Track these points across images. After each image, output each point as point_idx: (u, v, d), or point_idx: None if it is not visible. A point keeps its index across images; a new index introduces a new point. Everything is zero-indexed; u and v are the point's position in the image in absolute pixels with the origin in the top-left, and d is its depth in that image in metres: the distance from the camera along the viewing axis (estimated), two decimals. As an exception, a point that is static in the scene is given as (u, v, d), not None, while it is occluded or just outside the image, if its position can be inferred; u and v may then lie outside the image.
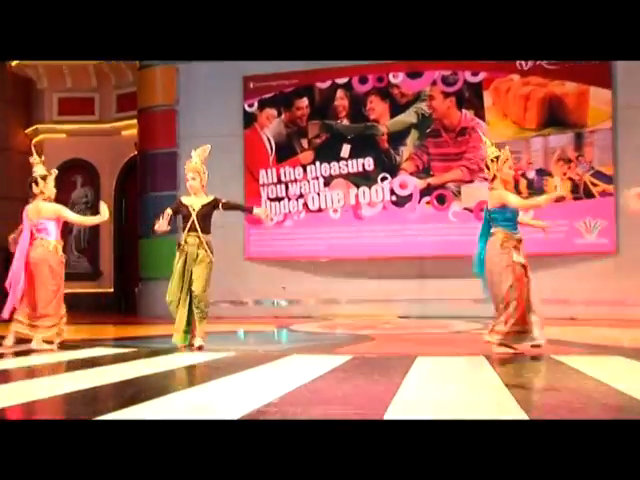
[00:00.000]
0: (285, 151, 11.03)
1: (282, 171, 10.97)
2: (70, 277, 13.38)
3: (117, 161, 13.76)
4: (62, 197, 14.23)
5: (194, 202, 5.79)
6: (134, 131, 12.31)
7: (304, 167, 10.89)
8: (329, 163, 10.76)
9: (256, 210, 6.07)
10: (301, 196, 10.88)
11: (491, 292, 4.99)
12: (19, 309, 5.67)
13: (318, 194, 10.82)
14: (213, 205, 5.78)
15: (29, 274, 5.65)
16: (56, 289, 5.75)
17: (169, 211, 5.77)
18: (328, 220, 10.77)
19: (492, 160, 5.13)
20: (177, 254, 5.73)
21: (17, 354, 5.26)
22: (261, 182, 11.04)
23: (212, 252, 5.72)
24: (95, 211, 13.77)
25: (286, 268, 10.92)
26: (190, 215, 5.72)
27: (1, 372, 4.25)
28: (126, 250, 13.48)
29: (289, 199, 10.93)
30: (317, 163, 10.84)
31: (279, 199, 10.98)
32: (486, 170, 5.26)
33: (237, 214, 10.73)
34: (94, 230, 13.73)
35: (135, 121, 12.12)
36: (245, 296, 10.97)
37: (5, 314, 5.70)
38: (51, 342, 5.68)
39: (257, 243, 11.10)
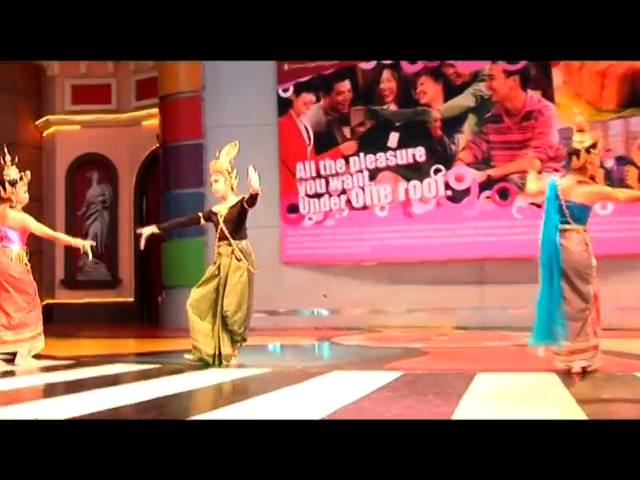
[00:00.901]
0: (325, 141, 11.04)
1: (322, 164, 10.98)
2: (87, 285, 13.84)
3: (137, 155, 13.93)
4: (76, 195, 14.69)
5: (221, 208, 5.78)
6: (155, 121, 12.44)
7: (346, 159, 10.89)
8: (375, 154, 10.74)
9: (252, 181, 5.60)
10: (343, 192, 10.88)
11: (572, 290, 4.78)
12: None
13: (362, 189, 10.82)
14: (241, 205, 5.70)
15: None
16: (30, 298, 5.98)
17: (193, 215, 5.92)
18: (374, 219, 10.75)
19: (587, 149, 4.86)
20: (210, 266, 5.76)
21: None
22: (298, 177, 11.07)
23: (249, 259, 5.67)
24: (113, 211, 14.30)
25: (327, 273, 10.94)
26: (218, 222, 5.71)
27: None
28: (148, 255, 13.66)
29: (330, 195, 10.94)
30: (361, 154, 10.83)
31: (318, 195, 11.00)
32: (571, 159, 4.95)
33: (272, 213, 10.94)
34: (112, 233, 13.95)
35: (156, 110, 12.24)
36: (281, 305, 11.00)
37: None
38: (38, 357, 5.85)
39: (294, 245, 11.13)
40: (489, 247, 10.20)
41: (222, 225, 5.69)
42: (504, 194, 10.25)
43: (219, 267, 5.66)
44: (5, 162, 6.16)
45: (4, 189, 6.07)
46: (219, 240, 5.71)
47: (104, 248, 13.86)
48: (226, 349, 5.58)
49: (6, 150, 6.24)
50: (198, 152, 11.27)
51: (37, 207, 14.10)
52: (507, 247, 10.02)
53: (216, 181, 5.81)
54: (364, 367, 5.48)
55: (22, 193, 6.13)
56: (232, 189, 5.85)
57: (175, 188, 11.53)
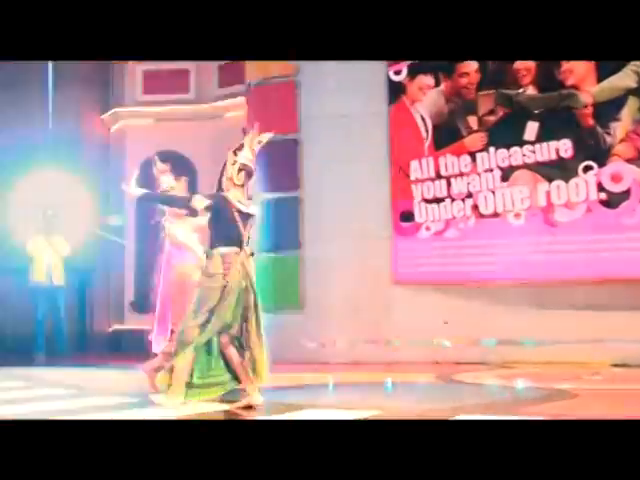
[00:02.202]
0: (446, 134, 11.05)
1: (442, 162, 10.99)
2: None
3: (220, 153, 13.68)
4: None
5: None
6: (241, 113, 12.68)
7: (473, 155, 10.86)
8: (508, 149, 10.68)
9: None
10: (469, 195, 10.86)
11: None
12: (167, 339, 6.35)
13: (493, 192, 10.76)
14: None
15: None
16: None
17: None
18: (507, 228, 10.68)
19: None
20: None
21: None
22: (413, 177, 11.12)
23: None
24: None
25: (449, 295, 10.90)
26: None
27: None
28: None
29: (452, 200, 10.94)
30: (491, 149, 10.78)
31: (438, 200, 11.01)
32: None
33: (382, 221, 11.00)
34: None
35: (242, 99, 12.51)
36: (393, 334, 11.00)
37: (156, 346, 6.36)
38: None
39: (409, 261, 11.16)
40: (655, 264, 10.04)
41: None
42: (674, 197, 10.05)
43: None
44: (159, 170, 6.77)
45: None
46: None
47: None
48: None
49: (156, 158, 6.91)
50: (292, 148, 11.47)
51: None
52: (679, 264, 9.81)
53: None
54: (494, 411, 5.46)
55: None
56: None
57: (266, 191, 11.65)
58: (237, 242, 5.97)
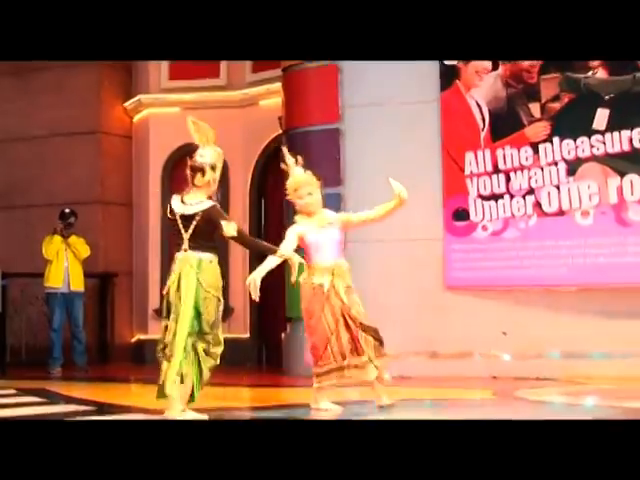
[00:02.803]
0: (505, 123, 10.96)
1: (500, 154, 10.90)
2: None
3: (253, 144, 14.14)
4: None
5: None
6: (277, 100, 12.65)
7: (535, 147, 10.76)
8: (575, 139, 10.57)
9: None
10: (530, 192, 10.75)
11: None
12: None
13: (557, 188, 10.65)
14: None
15: None
16: None
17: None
18: (574, 228, 10.58)
19: None
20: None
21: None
22: (468, 172, 11.03)
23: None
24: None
25: (508, 302, 10.82)
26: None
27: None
28: (268, 276, 13.84)
29: (512, 197, 10.83)
30: (555, 140, 10.68)
31: (496, 197, 10.91)
32: None
33: (433, 220, 10.98)
34: (222, 248, 14.14)
35: (278, 85, 12.45)
36: (445, 345, 10.90)
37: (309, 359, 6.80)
38: None
39: (463, 264, 11.08)
40: None
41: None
42: None
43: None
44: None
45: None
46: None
47: None
48: None
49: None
50: (333, 139, 11.39)
51: (125, 213, 14.78)
52: None
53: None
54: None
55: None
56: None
57: None
58: (180, 247, 6.59)
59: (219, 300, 6.66)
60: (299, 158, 7.80)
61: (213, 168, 6.71)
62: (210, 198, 6.72)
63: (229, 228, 6.54)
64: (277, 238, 12.83)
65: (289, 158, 7.75)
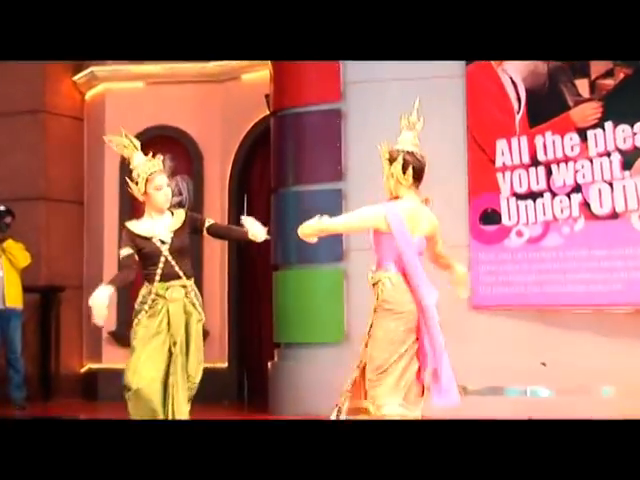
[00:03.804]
0: (546, 104, 10.89)
1: (540, 142, 10.82)
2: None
3: (235, 128, 14.03)
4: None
5: (157, 228, 6.98)
6: (264, 74, 12.52)
7: (582, 133, 10.68)
8: (632, 125, 10.53)
9: (250, 226, 7.19)
10: (577, 189, 10.66)
11: None
12: None
13: (610, 185, 10.57)
14: (192, 225, 7.12)
15: None
16: None
17: (125, 254, 6.98)
18: (631, 234, 10.51)
19: None
20: (144, 318, 6.97)
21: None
22: (499, 163, 10.93)
23: (201, 306, 7.21)
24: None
25: (548, 326, 10.76)
26: (158, 253, 6.93)
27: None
28: (250, 293, 13.77)
29: (553, 195, 10.73)
30: (608, 125, 10.61)
31: (534, 195, 10.81)
32: None
33: (456, 224, 10.81)
34: (195, 256, 13.90)
35: (265, 57, 12.40)
36: (471, 378, 10.71)
37: None
38: None
39: (493, 278, 10.97)
40: None
41: (169, 258, 6.93)
42: None
43: (167, 319, 6.95)
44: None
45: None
46: (163, 280, 6.91)
47: None
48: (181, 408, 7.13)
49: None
50: (333, 122, 11.32)
51: (75, 213, 14.70)
52: None
53: (167, 184, 7.09)
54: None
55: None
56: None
57: (297, 183, 11.60)
58: None
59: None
60: None
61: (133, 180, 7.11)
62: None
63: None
64: (263, 242, 12.79)
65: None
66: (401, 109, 10.95)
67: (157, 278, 6.90)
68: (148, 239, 6.92)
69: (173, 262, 6.91)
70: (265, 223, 11.99)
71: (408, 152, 6.85)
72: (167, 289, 6.93)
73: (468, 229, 10.98)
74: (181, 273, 6.97)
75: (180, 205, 14.20)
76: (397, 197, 6.76)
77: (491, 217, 10.95)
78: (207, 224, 7.16)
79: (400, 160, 6.76)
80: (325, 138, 11.39)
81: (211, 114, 13.93)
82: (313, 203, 10.87)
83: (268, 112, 12.45)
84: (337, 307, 10.96)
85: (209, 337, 13.96)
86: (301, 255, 10.79)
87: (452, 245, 10.46)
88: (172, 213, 7.09)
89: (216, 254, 13.94)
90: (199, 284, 14.03)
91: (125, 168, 13.93)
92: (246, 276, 13.88)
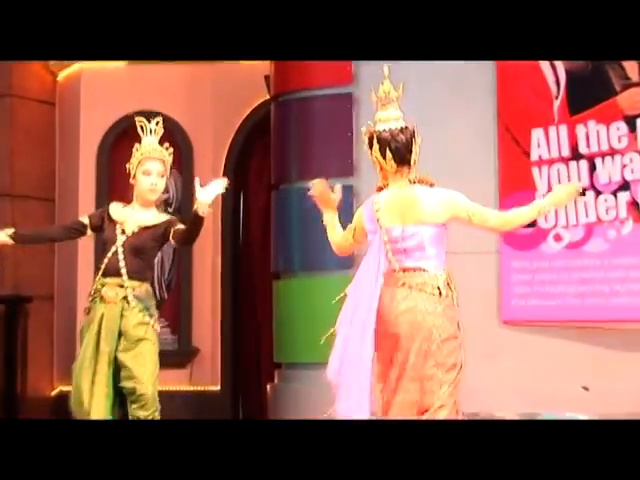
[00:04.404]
0: (589, 88, 10.87)
1: (582, 132, 10.78)
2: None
3: (229, 115, 14.07)
4: (116, 190, 14.86)
5: (130, 218, 7.22)
6: (262, 53, 12.58)
7: (631, 122, 10.65)
8: (691, 112, 10.55)
9: (197, 206, 7.02)
10: (625, 186, 10.64)
11: None
12: None
13: (664, 182, 10.59)
14: (164, 232, 7.21)
15: None
16: None
17: (80, 219, 7.49)
18: (689, 240, 10.51)
19: None
20: (85, 321, 7.23)
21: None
22: (534, 156, 10.90)
23: (153, 311, 7.38)
24: (183, 215, 14.26)
25: (590, 344, 10.70)
26: (113, 241, 7.17)
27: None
28: (247, 306, 13.77)
29: (597, 193, 10.70)
30: (662, 112, 10.61)
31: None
32: None
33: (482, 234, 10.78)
34: (184, 262, 14.08)
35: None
36: (501, 404, 10.78)
37: None
38: None
39: (527, 290, 10.93)
40: None
41: (119, 250, 7.09)
42: None
43: (100, 321, 7.05)
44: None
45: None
46: (104, 275, 7.12)
47: (166, 292, 14.03)
48: None
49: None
50: (343, 108, 11.30)
51: (45, 211, 14.76)
52: None
53: (161, 174, 7.38)
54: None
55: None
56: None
57: (301, 178, 11.44)
58: None
59: None
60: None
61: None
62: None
63: None
64: (262, 246, 12.83)
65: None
66: (421, 93, 11.11)
67: (101, 270, 7.14)
68: (113, 223, 7.19)
69: (121, 256, 7.05)
70: (266, 223, 12.05)
71: (382, 131, 6.58)
72: (103, 285, 7.10)
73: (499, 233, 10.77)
74: (123, 270, 7.04)
75: (167, 204, 14.20)
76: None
77: (526, 218, 10.93)
78: (171, 233, 7.21)
79: (375, 143, 6.54)
80: (334, 127, 11.36)
81: (202, 99, 14.00)
82: (321, 201, 11.05)
83: (268, 96, 12.50)
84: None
85: (198, 356, 14.14)
86: (306, 261, 10.91)
87: (480, 251, 10.99)
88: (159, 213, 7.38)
89: (207, 261, 14.05)
90: (188, 295, 14.18)
91: (104, 161, 14.20)
92: (242, 286, 13.99)
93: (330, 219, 6.91)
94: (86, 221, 7.30)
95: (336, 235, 6.82)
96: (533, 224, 10.59)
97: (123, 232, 7.13)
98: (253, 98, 13.48)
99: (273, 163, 12.10)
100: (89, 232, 7.39)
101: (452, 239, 10.42)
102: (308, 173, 11.22)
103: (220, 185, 7.05)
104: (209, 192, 6.99)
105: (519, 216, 7.04)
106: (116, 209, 7.26)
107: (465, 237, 10.46)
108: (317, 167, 11.30)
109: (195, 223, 7.22)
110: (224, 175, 14.00)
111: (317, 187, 6.80)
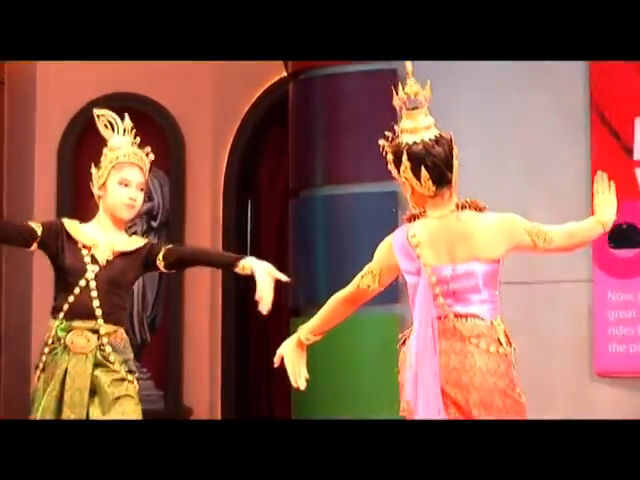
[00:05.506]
0: None
1: None
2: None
3: (232, 101, 14.12)
4: (84, 197, 14.74)
5: (99, 240, 6.84)
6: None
7: None
8: None
9: (244, 263, 6.81)
10: None
11: None
12: None
13: None
14: (147, 258, 6.89)
15: None
16: None
17: (30, 222, 6.90)
18: None
19: None
20: (40, 380, 6.78)
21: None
22: (639, 155, 10.73)
23: (131, 364, 6.85)
24: (175, 236, 14.24)
25: None
26: (81, 271, 6.73)
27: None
28: (255, 351, 13.81)
29: None
30: None
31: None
32: None
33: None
34: (173, 295, 14.18)
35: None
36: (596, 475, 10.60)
37: None
38: None
39: (628, 332, 10.83)
40: None
41: (91, 284, 6.69)
42: None
43: (62, 380, 6.64)
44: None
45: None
46: (69, 317, 6.67)
47: (148, 333, 14.10)
48: None
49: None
50: (385, 89, 10.74)
51: None
52: None
53: (140, 187, 6.92)
54: None
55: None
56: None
57: (328, 182, 11.57)
58: None
59: None
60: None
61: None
62: None
63: None
64: (278, 264, 12.31)
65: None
66: (491, 71, 11.18)
67: (63, 310, 6.71)
68: (74, 245, 6.82)
69: (94, 293, 6.69)
70: (279, 243, 11.65)
71: (413, 144, 6.17)
72: (68, 332, 6.68)
73: (591, 255, 11.02)
74: (98, 312, 6.68)
75: (150, 216, 13.91)
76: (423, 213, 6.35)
77: (627, 236, 11.03)
78: (162, 252, 6.86)
79: (405, 160, 6.12)
80: (372, 114, 11.15)
81: (198, 79, 14.11)
82: (354, 213, 11.55)
83: (285, 74, 12.54)
84: (389, 364, 10.59)
85: (192, 415, 14.23)
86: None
87: (566, 279, 11.19)
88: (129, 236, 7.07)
89: (202, 293, 14.27)
90: (177, 337, 13.98)
91: (68, 155, 13.91)
92: (249, 326, 14.21)
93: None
94: (38, 230, 6.81)
95: (341, 293, 6.45)
96: (638, 244, 10.87)
97: (94, 260, 6.76)
98: (265, 77, 13.61)
99: (291, 163, 12.14)
100: (34, 246, 6.88)
101: (530, 265, 10.32)
102: (337, 176, 11.57)
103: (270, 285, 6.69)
104: (269, 286, 6.71)
105: (582, 230, 6.64)
106: (74, 227, 6.90)
107: (546, 262, 10.33)
108: (349, 168, 11.44)
109: (216, 266, 7.75)
110: (225, 179, 14.22)
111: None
